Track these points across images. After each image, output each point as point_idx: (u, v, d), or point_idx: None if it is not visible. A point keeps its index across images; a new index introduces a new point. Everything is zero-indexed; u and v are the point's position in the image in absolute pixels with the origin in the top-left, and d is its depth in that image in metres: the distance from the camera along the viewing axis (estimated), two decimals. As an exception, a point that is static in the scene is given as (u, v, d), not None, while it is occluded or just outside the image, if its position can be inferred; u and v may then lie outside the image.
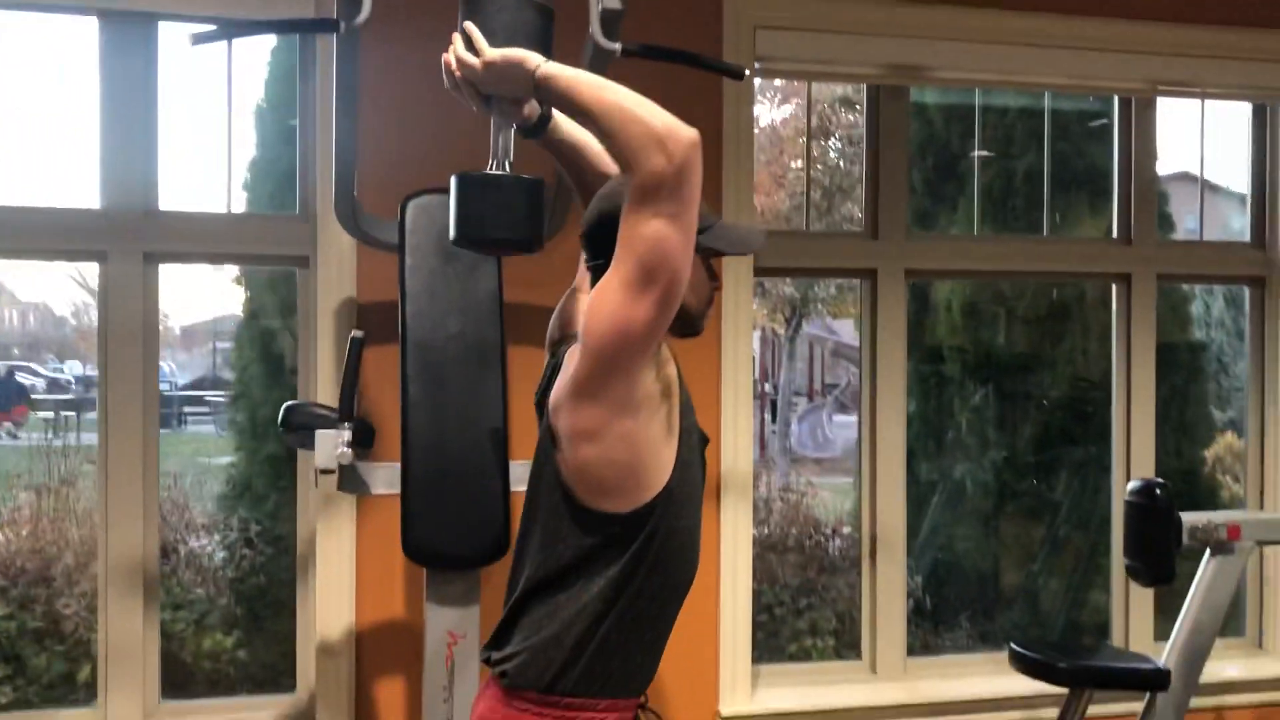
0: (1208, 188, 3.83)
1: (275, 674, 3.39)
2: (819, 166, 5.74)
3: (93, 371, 3.50)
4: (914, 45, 3.24)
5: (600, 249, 1.64)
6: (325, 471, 2.31)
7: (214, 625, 3.55)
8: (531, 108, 1.74)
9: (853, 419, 8.85)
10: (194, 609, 3.59)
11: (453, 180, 1.65)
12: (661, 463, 1.58)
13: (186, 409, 6.15)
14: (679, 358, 1.71)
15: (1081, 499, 4.12)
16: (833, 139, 6.19)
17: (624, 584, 1.59)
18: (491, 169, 1.67)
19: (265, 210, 3.55)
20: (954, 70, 3.32)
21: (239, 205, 3.51)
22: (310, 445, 2.36)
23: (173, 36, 2.98)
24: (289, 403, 2.45)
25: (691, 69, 2.39)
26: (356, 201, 2.57)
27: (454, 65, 1.63)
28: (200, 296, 3.49)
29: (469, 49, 1.61)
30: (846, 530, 4.21)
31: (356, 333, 2.37)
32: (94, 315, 3.05)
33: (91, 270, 2.98)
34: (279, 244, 3.00)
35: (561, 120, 1.82)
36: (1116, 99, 3.61)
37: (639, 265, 1.48)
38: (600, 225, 1.64)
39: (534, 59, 1.57)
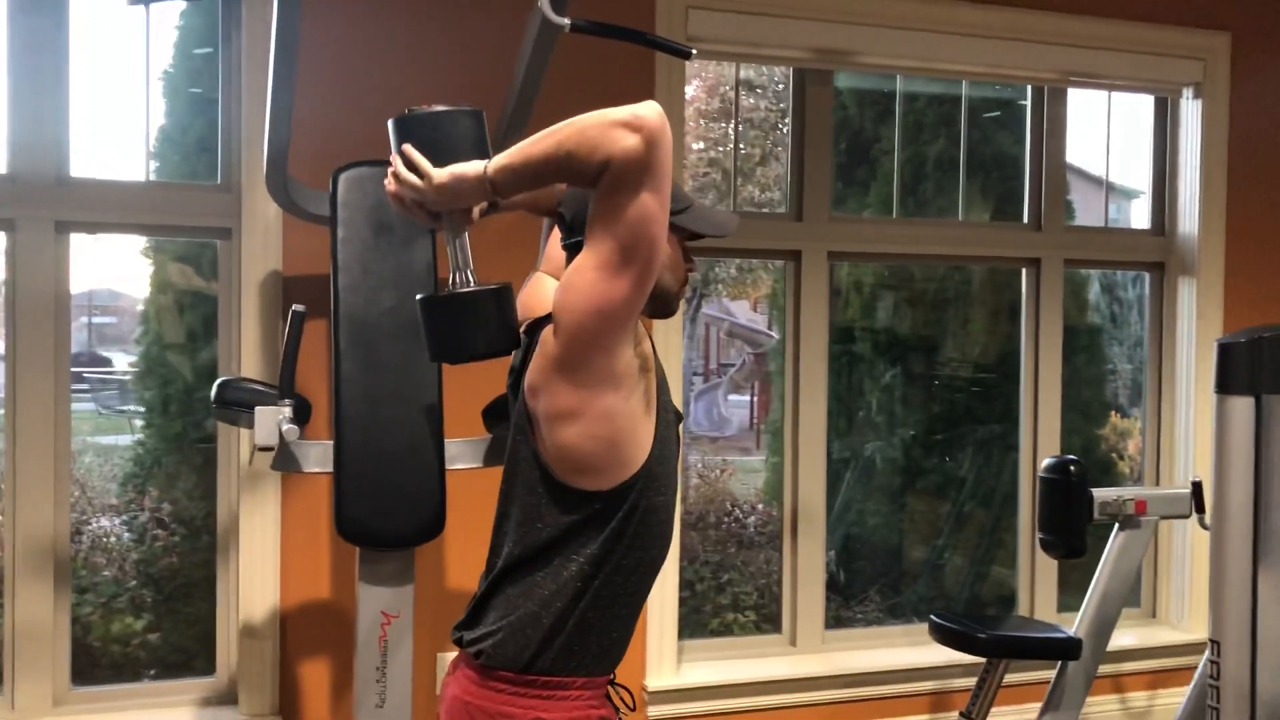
0: (1084, 179, 3.98)
1: (187, 657, 3.30)
2: (720, 149, 5.78)
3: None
4: (841, 30, 3.29)
5: (577, 228, 1.64)
6: (265, 449, 2.26)
7: (123, 609, 3.44)
8: (479, 208, 1.70)
9: (746, 399, 9.00)
10: (101, 592, 3.46)
11: (419, 302, 1.61)
12: (641, 439, 1.59)
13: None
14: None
15: (986, 475, 4.26)
16: (733, 121, 6.25)
17: (603, 561, 1.60)
18: (454, 283, 1.62)
19: (175, 180, 3.43)
20: (878, 56, 3.38)
21: (149, 175, 3.39)
22: (243, 422, 2.30)
23: (85, -3, 2.87)
24: (222, 378, 2.39)
25: (628, 48, 2.39)
26: (288, 173, 2.51)
27: (400, 190, 1.57)
28: (73, 269, 3.35)
29: (411, 171, 1.55)
30: (760, 507, 4.28)
31: (298, 307, 2.31)
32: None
33: (-2, 239, 2.85)
34: (199, 215, 2.91)
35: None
36: (1030, 88, 3.72)
37: (617, 243, 1.48)
38: (580, 204, 1.64)
39: (479, 166, 1.53)
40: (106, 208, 2.84)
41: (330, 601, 2.91)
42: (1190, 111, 3.73)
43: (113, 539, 3.61)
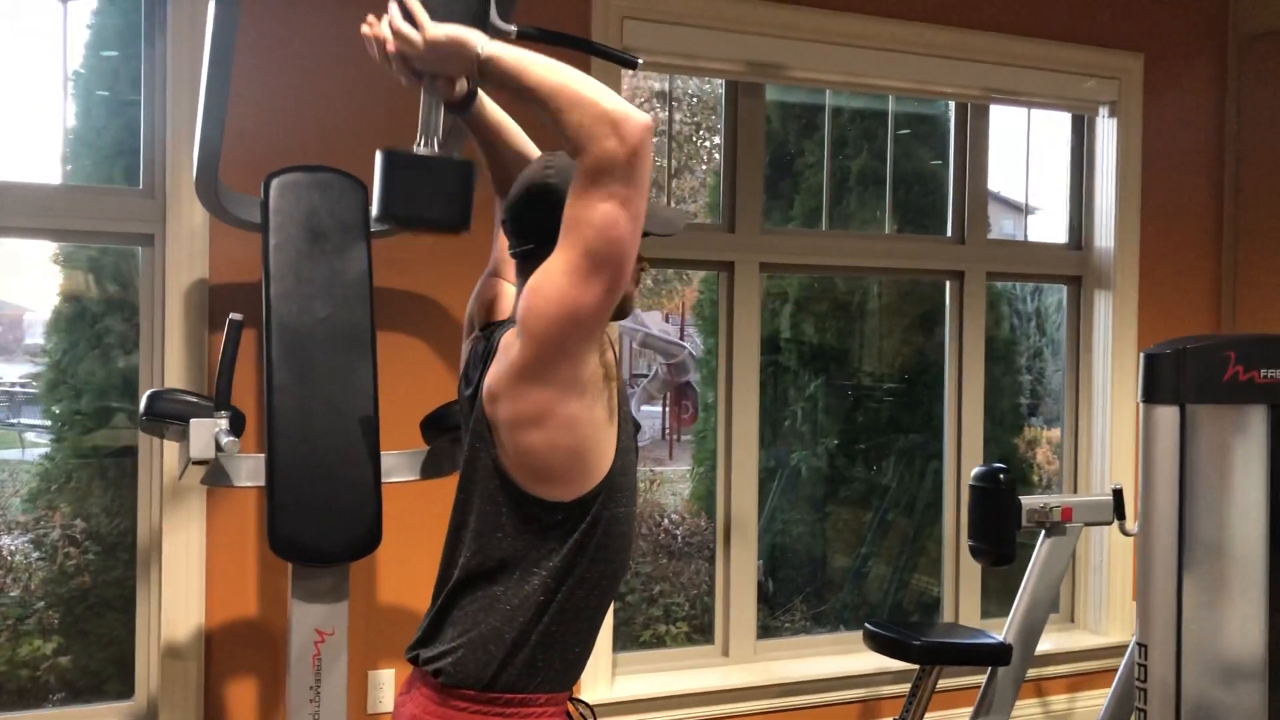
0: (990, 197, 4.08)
1: (100, 681, 3.17)
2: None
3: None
4: (772, 44, 3.32)
5: (526, 235, 1.60)
6: (200, 462, 2.18)
7: (31, 631, 3.29)
8: (461, 84, 1.68)
9: (659, 409, 9.02)
10: (7, 613, 3.31)
11: (378, 156, 1.57)
12: (604, 448, 1.56)
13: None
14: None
15: (908, 484, 4.33)
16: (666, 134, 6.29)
17: (566, 574, 1.56)
18: (419, 147, 1.59)
19: (88, 184, 3.31)
20: (808, 70, 3.42)
21: (59, 179, 3.26)
22: (172, 435, 2.22)
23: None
24: (152, 390, 2.29)
25: (566, 54, 2.37)
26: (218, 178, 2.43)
27: (386, 38, 1.55)
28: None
29: (407, 22, 1.54)
30: (688, 517, 4.28)
31: (235, 316, 2.23)
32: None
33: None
34: (120, 220, 2.80)
35: (486, 100, 1.77)
36: (953, 105, 3.79)
37: (588, 250, 1.45)
38: (527, 210, 1.61)
39: (478, 39, 1.51)
40: (20, 212, 2.72)
41: (257, 620, 2.82)
42: (1106, 129, 3.84)
43: (19, 558, 3.45)
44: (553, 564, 1.56)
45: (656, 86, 5.56)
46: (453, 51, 1.52)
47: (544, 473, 1.54)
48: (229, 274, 2.75)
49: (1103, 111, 3.83)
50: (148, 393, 2.28)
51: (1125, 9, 3.82)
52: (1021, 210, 4.32)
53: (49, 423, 3.62)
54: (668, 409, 8.93)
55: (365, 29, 1.59)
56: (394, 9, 1.54)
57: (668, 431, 8.91)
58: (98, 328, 3.50)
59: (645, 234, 1.66)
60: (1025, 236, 4.14)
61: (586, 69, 3.09)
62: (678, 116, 5.04)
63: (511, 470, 1.56)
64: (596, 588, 1.60)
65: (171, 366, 2.71)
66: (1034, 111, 3.96)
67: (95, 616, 3.32)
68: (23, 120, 3.06)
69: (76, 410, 3.49)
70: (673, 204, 4.69)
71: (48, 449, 3.61)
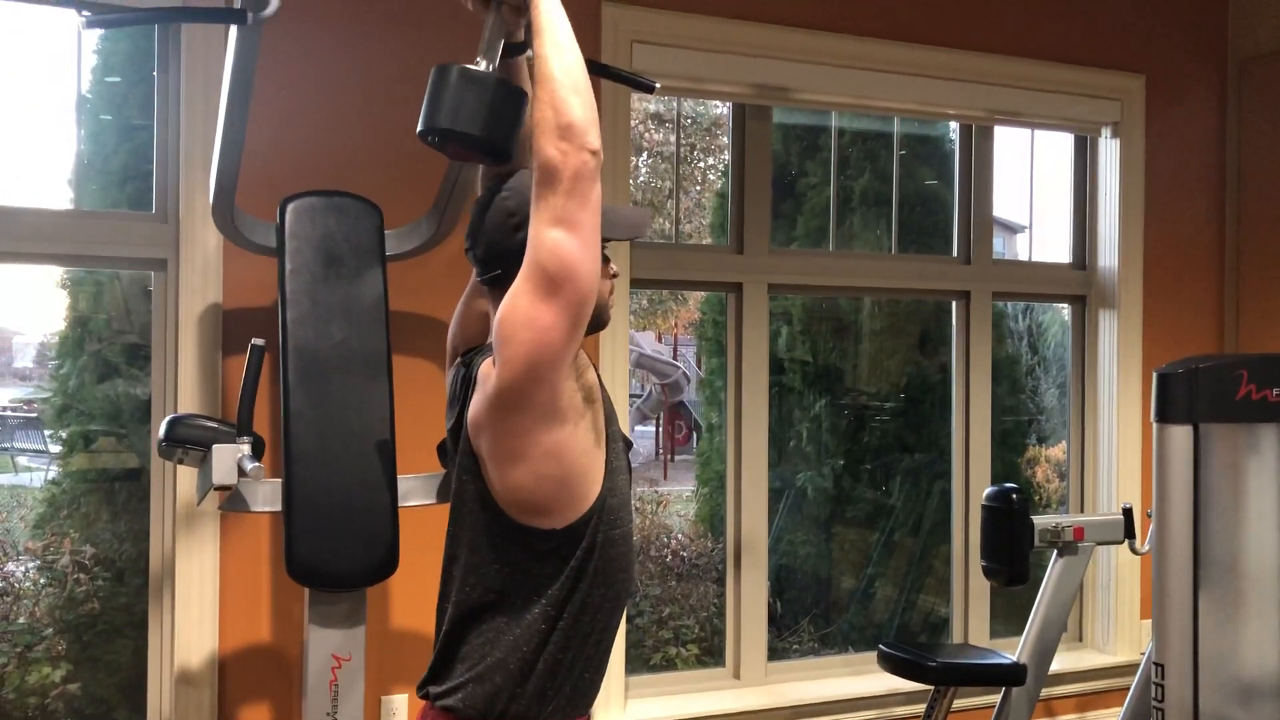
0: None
1: (109, 708, 3.14)
2: (630, 182, 5.83)
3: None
4: (780, 67, 3.34)
5: (489, 262, 1.61)
6: (223, 488, 2.17)
7: (39, 658, 3.26)
8: (523, 26, 1.68)
9: (651, 429, 9.00)
10: (16, 641, 3.28)
11: (433, 71, 1.57)
12: (592, 473, 1.55)
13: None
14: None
15: (914, 504, 4.33)
16: (644, 155, 6.32)
17: (566, 600, 1.56)
18: (474, 64, 1.58)
19: (96, 209, 3.31)
20: (814, 92, 3.44)
21: (66, 204, 3.26)
22: (191, 461, 2.21)
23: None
24: (171, 415, 2.29)
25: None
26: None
27: None
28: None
29: None
30: (694, 539, 4.28)
31: (257, 341, 2.23)
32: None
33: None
34: (133, 245, 2.80)
35: (526, 71, 1.78)
36: (958, 126, 3.82)
37: (543, 271, 1.46)
38: (486, 236, 1.62)
39: None
40: (32, 238, 2.72)
41: (271, 645, 2.80)
42: (1108, 150, 3.87)
43: (27, 584, 3.43)
44: (552, 591, 1.55)
45: (652, 108, 5.59)
46: None
47: (533, 504, 1.53)
48: (243, 298, 2.75)
49: (1105, 132, 3.86)
50: (167, 418, 2.27)
51: (1126, 31, 3.86)
52: (1014, 231, 4.35)
53: (43, 448, 3.60)
54: (662, 429, 8.93)
55: None
56: None
57: (661, 452, 8.90)
58: (106, 352, 3.49)
59: (609, 239, 1.65)
60: (1030, 256, 4.15)
61: (599, 93, 3.12)
62: (672, 138, 5.06)
63: (500, 502, 1.55)
64: (600, 611, 1.59)
65: (185, 391, 2.70)
66: (1036, 132, 3.99)
67: (104, 643, 3.30)
68: (31, 145, 3.06)
69: (83, 434, 3.48)
70: (671, 225, 4.71)
71: (52, 474, 3.60)
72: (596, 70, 2.28)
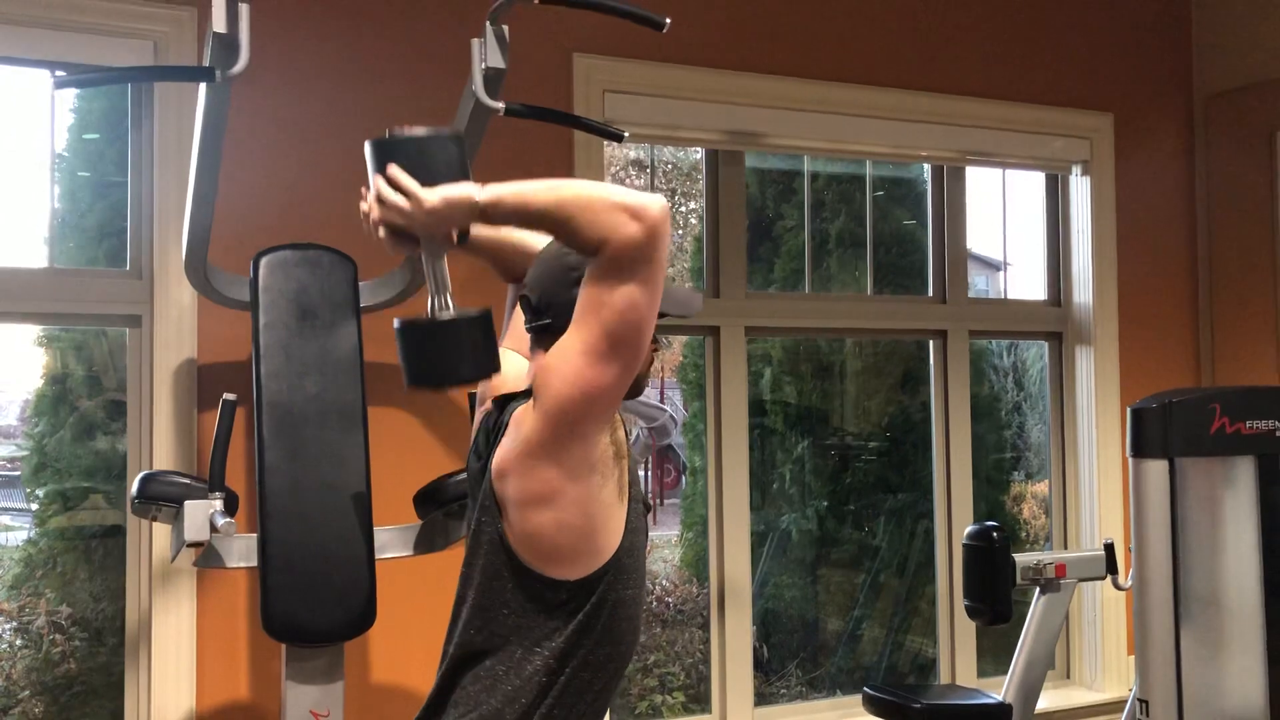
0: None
1: (84, 770, 3.10)
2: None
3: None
4: (751, 113, 3.37)
5: (543, 310, 1.62)
6: (195, 544, 2.16)
7: (15, 721, 3.21)
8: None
9: (641, 473, 8.95)
10: (-9, 704, 3.23)
11: (396, 327, 1.55)
12: (613, 528, 1.56)
13: None
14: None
15: (898, 544, 4.32)
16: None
17: (569, 655, 1.55)
18: (433, 309, 1.56)
19: (72, 266, 3.31)
20: (787, 137, 3.48)
21: (42, 261, 3.27)
22: (165, 518, 2.20)
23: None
24: (145, 472, 2.28)
25: (545, 125, 2.40)
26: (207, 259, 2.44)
27: (375, 213, 1.53)
28: None
29: (398, 194, 1.51)
30: (680, 584, 4.25)
31: (229, 396, 2.23)
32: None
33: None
34: (107, 302, 2.80)
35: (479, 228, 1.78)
36: (929, 167, 3.86)
37: (606, 332, 1.46)
38: (547, 286, 1.62)
39: (472, 190, 1.51)
40: (6, 296, 2.72)
41: (250, 702, 2.77)
42: (1079, 188, 3.91)
43: (3, 646, 3.39)
44: (555, 644, 1.54)
45: (632, 155, 5.64)
46: (452, 211, 1.51)
47: (551, 552, 1.53)
48: (218, 353, 2.75)
49: (1075, 170, 3.91)
50: (140, 475, 2.26)
51: (1094, 71, 3.91)
52: (996, 268, 4.38)
53: (24, 507, 3.57)
54: (650, 473, 8.91)
55: (363, 205, 1.58)
56: (380, 184, 1.52)
57: (651, 495, 8.88)
58: (82, 409, 3.47)
59: (662, 315, 1.67)
60: (1005, 293, 4.18)
61: (570, 143, 3.15)
62: (654, 184, 5.09)
63: (517, 546, 1.55)
64: (602, 671, 1.58)
65: (160, 447, 2.69)
66: (1008, 171, 4.03)
67: (81, 704, 3.25)
68: (5, 205, 3.06)
69: (61, 493, 3.45)
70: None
71: (27, 532, 3.56)
72: (563, 120, 2.31)
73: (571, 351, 1.49)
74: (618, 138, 2.37)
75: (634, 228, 1.44)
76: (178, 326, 2.72)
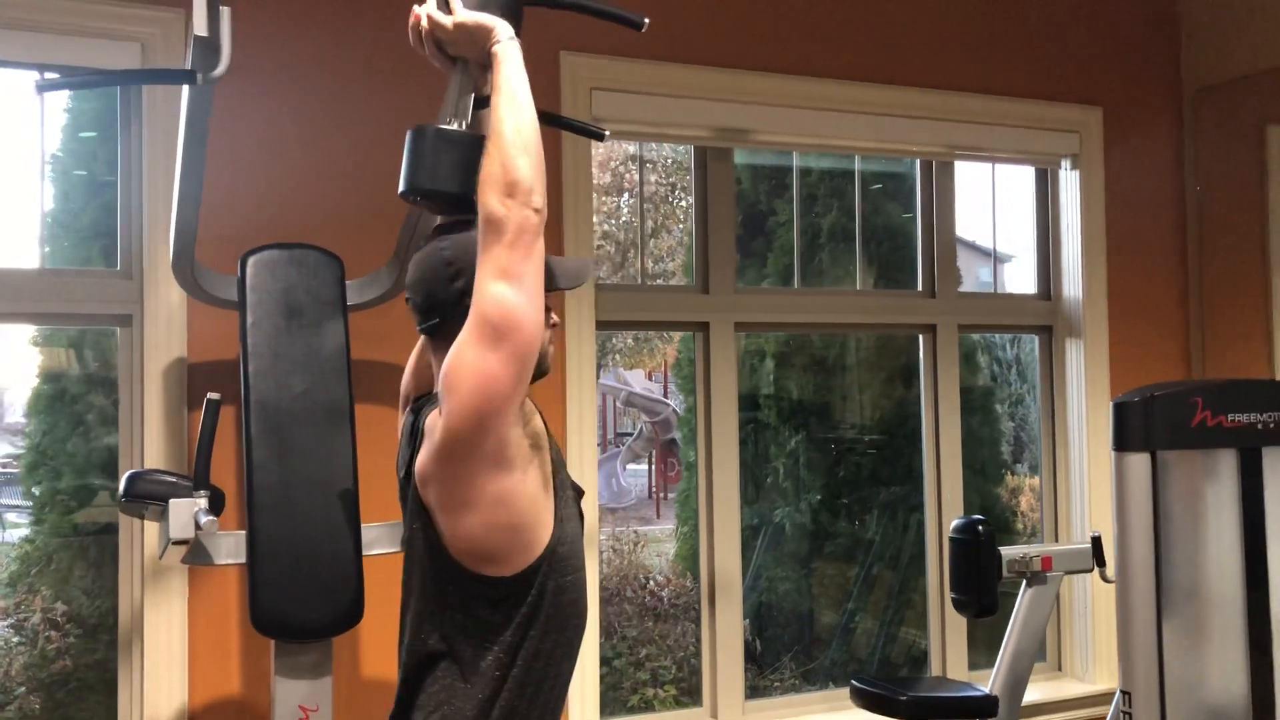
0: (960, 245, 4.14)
1: (78, 765, 3.13)
2: (612, 222, 5.88)
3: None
4: (739, 109, 3.38)
5: (427, 311, 1.64)
6: (180, 542, 2.18)
7: (11, 718, 3.25)
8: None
9: (644, 467, 8.99)
10: (-13, 701, 3.26)
11: (408, 133, 1.64)
12: (544, 520, 1.57)
13: None
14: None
15: (891, 537, 4.34)
16: (625, 195, 6.38)
17: (518, 647, 1.57)
18: (447, 124, 1.65)
19: (67, 266, 3.33)
20: (775, 134, 3.49)
21: (34, 262, 3.29)
22: (152, 515, 2.22)
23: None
24: (131, 471, 2.30)
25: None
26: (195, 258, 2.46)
27: (423, 20, 1.65)
28: None
29: (443, 7, 1.64)
30: (672, 578, 4.28)
31: (213, 395, 2.25)
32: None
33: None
34: (98, 302, 2.82)
35: None
36: (919, 162, 3.87)
37: (486, 322, 1.48)
38: (425, 286, 1.66)
39: (501, 33, 1.60)
40: (-2, 296, 2.74)
41: (241, 698, 2.80)
42: (1069, 181, 3.92)
43: None
44: (504, 639, 1.56)
45: (631, 150, 5.65)
46: (475, 35, 1.62)
47: (483, 553, 1.55)
48: (207, 352, 2.77)
49: (1064, 164, 3.91)
50: (127, 474, 2.28)
51: (1083, 65, 3.92)
52: (1001, 259, 4.38)
53: (25, 503, 3.60)
54: (653, 467, 8.93)
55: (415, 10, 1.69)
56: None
57: (654, 490, 8.90)
58: (77, 407, 3.50)
59: (552, 290, 1.66)
60: (1000, 284, 4.19)
61: (558, 137, 3.16)
62: (652, 178, 5.11)
63: (451, 550, 1.56)
64: (552, 659, 1.60)
65: (151, 445, 2.72)
66: (998, 165, 4.04)
67: (77, 701, 3.28)
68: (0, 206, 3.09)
69: (57, 490, 3.48)
70: (649, 264, 4.75)
71: (27, 530, 3.59)
72: (546, 120, 2.31)
73: (463, 346, 1.50)
74: (599, 136, 2.39)
75: (497, 208, 1.50)
76: (168, 326, 2.74)
